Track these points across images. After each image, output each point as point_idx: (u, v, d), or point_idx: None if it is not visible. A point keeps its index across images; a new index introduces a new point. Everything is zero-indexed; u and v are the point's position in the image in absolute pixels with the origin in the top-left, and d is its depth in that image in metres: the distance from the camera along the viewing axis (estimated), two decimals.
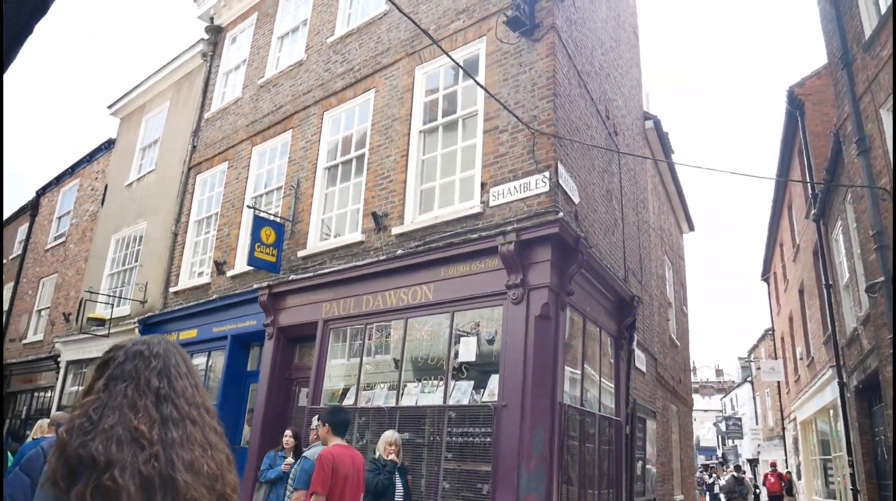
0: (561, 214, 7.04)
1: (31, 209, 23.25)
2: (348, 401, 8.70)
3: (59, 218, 21.01)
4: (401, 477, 6.11)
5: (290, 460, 7.18)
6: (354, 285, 9.00)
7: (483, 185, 8.06)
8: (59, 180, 21.86)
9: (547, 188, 7.38)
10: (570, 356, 7.95)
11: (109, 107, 18.71)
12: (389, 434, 6.33)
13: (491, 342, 7.53)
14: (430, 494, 7.28)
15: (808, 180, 14.96)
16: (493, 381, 7.26)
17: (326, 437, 4.97)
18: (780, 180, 19.26)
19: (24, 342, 20.01)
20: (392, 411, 7.98)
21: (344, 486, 4.66)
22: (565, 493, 7.18)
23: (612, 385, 9.65)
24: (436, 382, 7.87)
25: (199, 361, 12.20)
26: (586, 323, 8.52)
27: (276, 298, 10.16)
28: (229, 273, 11.64)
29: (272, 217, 10.69)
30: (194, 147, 14.29)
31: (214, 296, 11.74)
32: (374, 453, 6.19)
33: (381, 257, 8.62)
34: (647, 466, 11.28)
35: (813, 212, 14.54)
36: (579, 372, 8.28)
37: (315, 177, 10.65)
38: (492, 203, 7.82)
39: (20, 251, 22.81)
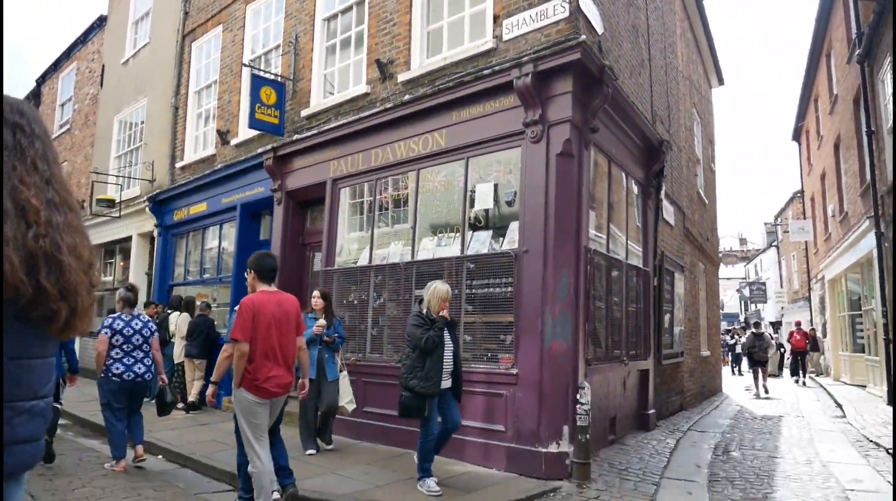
0: (583, 37, 6.28)
1: (32, 100, 22.59)
2: (362, 261, 8.36)
3: (62, 105, 20.37)
4: (450, 333, 5.57)
5: (322, 321, 6.86)
6: (362, 139, 8.43)
7: (496, 18, 7.26)
8: (56, 66, 21.03)
9: (566, 14, 6.58)
10: (595, 202, 7.43)
11: None
12: (443, 289, 5.53)
13: (509, 187, 7.01)
14: None
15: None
16: (513, 229, 6.80)
17: (254, 284, 4.84)
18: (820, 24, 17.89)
19: None
20: (408, 266, 7.62)
21: (268, 330, 4.55)
22: (591, 341, 6.89)
23: (640, 236, 9.19)
24: (452, 234, 7.44)
25: (212, 234, 11.93)
26: (612, 167, 7.93)
27: (281, 161, 9.65)
28: (233, 142, 11.09)
29: (271, 76, 9.99)
30: (186, 13, 13.36)
31: (220, 166, 11.27)
32: (422, 307, 5.52)
33: (389, 106, 7.98)
34: (675, 320, 11.02)
35: (857, 53, 13.43)
36: (605, 219, 7.80)
37: (314, 30, 9.82)
38: (505, 37, 7.05)
39: None
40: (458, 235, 7.32)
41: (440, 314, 5.48)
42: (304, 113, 9.56)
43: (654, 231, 9.44)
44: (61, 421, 8.93)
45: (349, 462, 6.57)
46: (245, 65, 10.41)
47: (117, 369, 6.32)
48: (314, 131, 9.06)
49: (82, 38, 19.08)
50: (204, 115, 12.67)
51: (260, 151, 9.96)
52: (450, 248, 7.36)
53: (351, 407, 7.12)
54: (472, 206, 7.29)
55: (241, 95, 11.07)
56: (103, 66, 17.30)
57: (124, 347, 6.38)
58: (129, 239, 14.46)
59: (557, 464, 5.96)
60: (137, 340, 6.45)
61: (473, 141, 7.15)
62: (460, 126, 7.27)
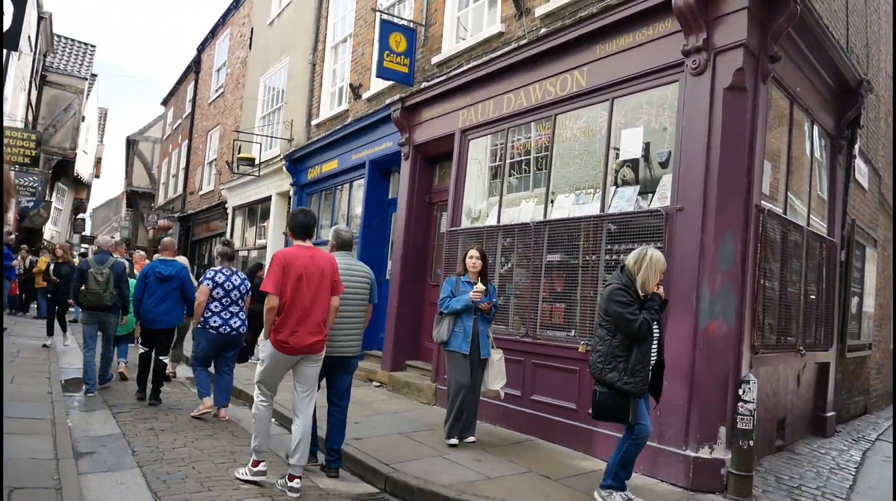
0: None
1: (194, 67, 23.76)
2: (490, 220, 7.50)
3: (217, 70, 21.15)
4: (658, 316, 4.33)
5: (480, 286, 5.78)
6: (493, 84, 7.51)
7: None
8: (213, 33, 21.85)
9: None
10: (771, 152, 6.04)
11: None
12: (660, 258, 4.31)
13: (661, 132, 5.82)
14: (584, 322, 6.03)
15: None
16: (665, 183, 5.62)
17: (292, 241, 4.79)
18: None
19: (201, 193, 20.99)
20: (539, 227, 6.65)
21: (298, 284, 4.39)
22: (760, 323, 5.60)
23: (825, 199, 7.58)
24: (591, 190, 6.36)
25: (342, 193, 11.58)
26: (794, 110, 6.44)
27: (409, 112, 8.97)
28: (365, 95, 10.59)
29: (402, 21, 9.30)
30: None
31: (350, 121, 10.83)
32: (628, 278, 4.31)
33: (523, 43, 7.00)
34: (863, 304, 9.21)
35: None
36: (783, 174, 6.37)
37: None
38: None
39: (189, 109, 23.62)
40: (598, 191, 6.24)
41: (658, 291, 4.32)
42: (434, 60, 8.80)
43: (843, 194, 7.76)
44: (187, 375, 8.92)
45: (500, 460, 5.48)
46: (374, 10, 9.78)
47: (215, 322, 6.44)
48: (443, 77, 8.27)
49: (234, 2, 19.56)
50: (339, 70, 12.30)
51: (388, 102, 9.34)
52: (589, 206, 6.29)
53: (503, 391, 6.01)
54: (616, 156, 6.17)
55: (374, 47, 10.51)
56: (252, 28, 17.60)
57: (223, 300, 6.48)
58: (269, 199, 14.58)
59: (709, 473, 4.83)
60: (235, 295, 6.55)
61: (620, 78, 6.00)
62: (604, 62, 6.14)
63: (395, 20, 9.29)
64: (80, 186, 30.76)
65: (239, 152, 15.11)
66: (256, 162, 14.09)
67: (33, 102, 22.42)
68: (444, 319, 5.88)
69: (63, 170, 25.11)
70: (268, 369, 4.55)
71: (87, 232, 37.20)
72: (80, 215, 35.77)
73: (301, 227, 4.67)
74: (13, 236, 10.17)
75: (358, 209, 10.73)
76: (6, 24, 6.90)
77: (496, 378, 5.91)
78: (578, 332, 6.08)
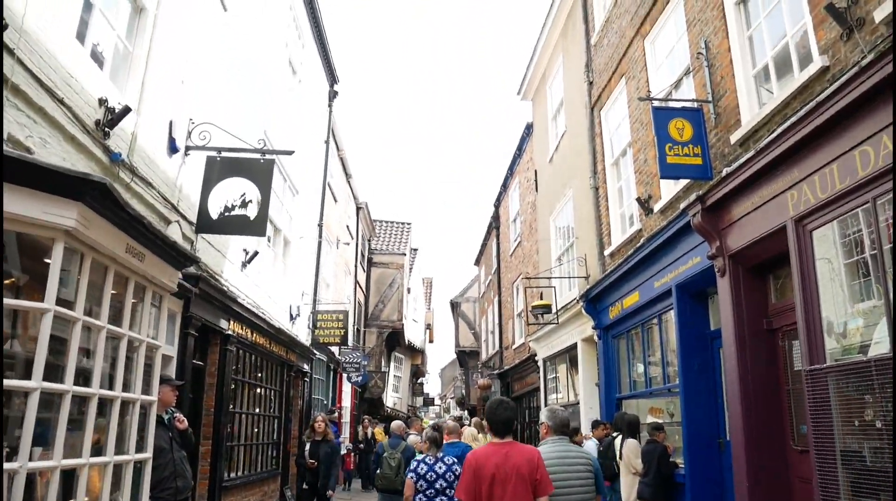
0: None
1: (494, 223, 24.09)
2: (878, 348, 4.69)
3: (513, 221, 20.92)
4: None
5: None
6: (829, 141, 5.01)
7: None
8: (505, 186, 22.02)
9: None
10: None
11: (518, 93, 17.74)
12: None
13: None
14: None
15: None
16: None
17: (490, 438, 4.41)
18: None
19: (514, 347, 20.20)
20: None
21: (491, 489, 3.85)
22: None
23: None
24: None
25: (650, 331, 9.35)
26: None
27: (713, 213, 6.71)
28: (656, 207, 8.57)
29: (680, 104, 7.32)
30: (591, 83, 11.75)
31: (643, 242, 8.80)
32: None
33: (865, 63, 4.49)
34: None
35: None
36: None
37: (727, 24, 6.91)
38: None
39: (496, 264, 23.67)
40: None
41: None
42: (733, 138, 6.56)
43: None
44: None
45: None
46: (642, 99, 7.97)
47: None
48: (751, 153, 5.96)
49: (518, 151, 19.45)
50: (624, 187, 10.52)
51: (682, 207, 7.20)
52: None
53: None
54: None
55: (657, 147, 8.59)
56: (535, 171, 17.00)
57: (427, 492, 5.85)
58: (575, 347, 12.85)
59: None
60: (441, 485, 5.89)
61: None
62: None
63: (671, 103, 7.36)
64: (415, 352, 32.60)
65: (541, 299, 13.89)
66: (553, 309, 12.61)
67: (363, 284, 24.57)
68: None
69: (395, 340, 26.70)
70: None
71: (429, 393, 39.21)
72: (420, 379, 37.94)
73: (500, 423, 4.14)
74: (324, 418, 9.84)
75: (672, 346, 8.37)
76: (252, 214, 6.70)
77: None
78: None
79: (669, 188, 8.26)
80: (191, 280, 7.19)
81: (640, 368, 9.59)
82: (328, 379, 17.20)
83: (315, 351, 14.32)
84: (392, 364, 29.16)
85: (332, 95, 16.59)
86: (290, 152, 8.56)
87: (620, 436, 8.50)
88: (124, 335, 4.78)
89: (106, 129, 5.41)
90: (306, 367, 13.79)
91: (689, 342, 7.78)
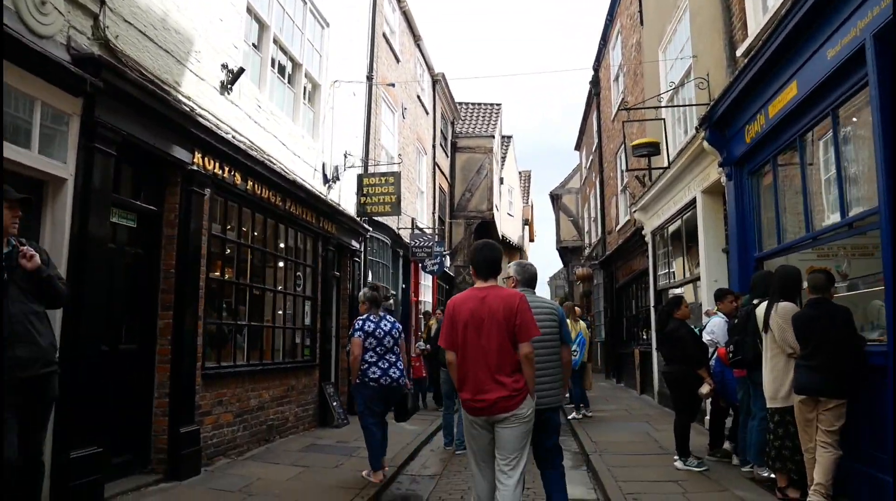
0: None
1: (593, 90, 20.52)
2: None
3: (615, 80, 17.33)
4: None
5: None
6: None
7: None
8: (604, 39, 18.31)
9: None
10: None
11: None
12: None
13: None
14: None
15: None
16: None
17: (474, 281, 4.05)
18: None
19: (618, 228, 17.14)
20: None
21: (465, 334, 3.71)
22: None
23: None
24: None
25: (810, 140, 6.07)
26: None
27: None
28: None
29: None
30: None
31: None
32: None
33: None
34: None
35: None
36: None
37: None
38: None
39: (597, 140, 20.24)
40: None
41: None
42: None
43: None
44: None
45: None
46: None
47: (374, 373, 5.87)
48: None
49: None
50: None
51: None
52: None
53: None
54: None
55: None
56: (640, 2, 13.34)
57: (377, 350, 5.90)
58: (693, 205, 9.64)
59: None
60: (389, 342, 5.94)
61: None
62: None
63: None
64: (512, 250, 29.92)
65: (624, 138, 10.70)
66: (662, 148, 9.37)
67: (446, 171, 21.90)
68: None
69: (486, 232, 24.09)
70: (469, 437, 3.88)
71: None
72: None
73: (483, 263, 3.87)
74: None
75: (862, 155, 5.13)
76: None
77: None
78: None
79: None
80: (86, 65, 4.73)
81: (797, 205, 6.32)
82: (395, 266, 14.84)
83: (368, 227, 11.88)
84: None
85: None
86: None
87: (765, 303, 5.49)
88: None
89: None
90: (356, 244, 11.41)
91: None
